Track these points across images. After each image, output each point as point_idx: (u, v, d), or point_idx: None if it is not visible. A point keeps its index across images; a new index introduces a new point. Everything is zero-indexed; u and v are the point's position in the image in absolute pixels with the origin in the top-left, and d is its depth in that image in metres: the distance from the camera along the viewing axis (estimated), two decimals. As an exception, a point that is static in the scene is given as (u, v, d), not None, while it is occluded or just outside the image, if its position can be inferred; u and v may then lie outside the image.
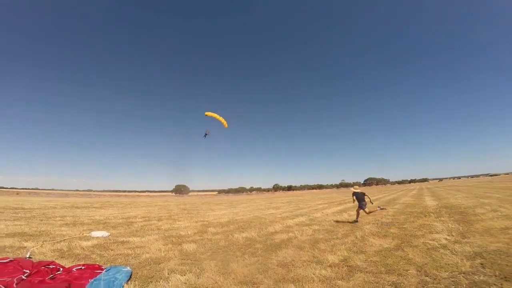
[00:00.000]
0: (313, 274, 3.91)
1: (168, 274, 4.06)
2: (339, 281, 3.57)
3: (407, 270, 3.90)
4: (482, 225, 7.14)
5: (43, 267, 3.88)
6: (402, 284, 3.35)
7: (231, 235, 7.62)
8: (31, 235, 7.22)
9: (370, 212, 9.51)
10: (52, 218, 11.84)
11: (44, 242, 6.26)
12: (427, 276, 3.62)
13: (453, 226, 7.26)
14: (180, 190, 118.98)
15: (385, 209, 13.11)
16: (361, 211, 9.48)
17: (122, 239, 6.99)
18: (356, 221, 9.48)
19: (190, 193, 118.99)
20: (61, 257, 5.01)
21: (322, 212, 13.56)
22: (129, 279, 3.81)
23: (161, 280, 3.79)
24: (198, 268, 4.38)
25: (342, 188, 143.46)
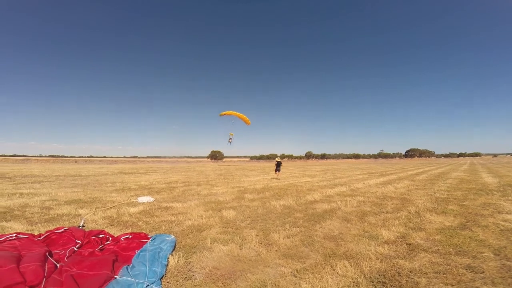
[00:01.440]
0: (368, 250, 3.50)
1: (210, 243, 3.96)
2: (401, 261, 3.12)
3: (481, 253, 3.31)
4: None
5: (93, 237, 3.99)
6: (479, 268, 2.81)
7: (268, 202, 7.49)
8: (85, 202, 7.80)
9: (278, 174, 16.78)
10: (104, 184, 12.89)
11: (96, 209, 6.68)
12: (509, 261, 3.02)
13: None
14: (215, 156, 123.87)
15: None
16: (277, 172, 16.54)
17: (165, 205, 7.24)
18: (277, 178, 16.31)
19: (224, 159, 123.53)
20: (111, 225, 5.23)
21: (364, 183, 12.83)
22: (174, 249, 3.77)
23: (205, 250, 3.68)
24: (239, 237, 4.24)
25: (380, 158, 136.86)
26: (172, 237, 4.17)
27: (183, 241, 4.12)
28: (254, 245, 3.87)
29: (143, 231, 4.59)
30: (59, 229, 4.22)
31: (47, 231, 4.18)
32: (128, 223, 5.32)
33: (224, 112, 30.48)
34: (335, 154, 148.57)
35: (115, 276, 2.83)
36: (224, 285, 2.70)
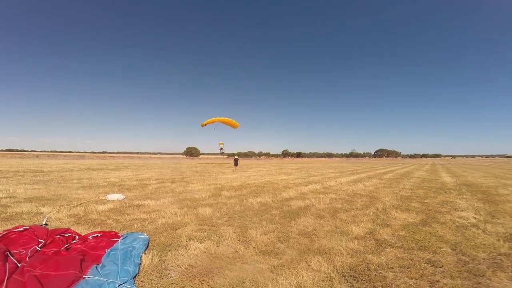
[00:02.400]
0: (340, 246, 3.69)
1: (186, 241, 3.91)
2: (369, 256, 3.33)
3: (440, 248, 3.63)
4: (510, 206, 6.75)
5: (58, 236, 3.75)
6: (439, 263, 3.08)
7: (245, 199, 7.54)
8: (48, 199, 7.29)
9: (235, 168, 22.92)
10: (70, 181, 12.09)
11: (61, 207, 6.27)
12: (464, 256, 3.34)
13: (478, 205, 6.89)
14: (191, 152, 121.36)
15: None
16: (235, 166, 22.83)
17: (137, 202, 6.98)
18: (233, 170, 22.20)
19: (201, 156, 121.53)
20: (77, 223, 4.95)
21: (336, 181, 13.37)
22: (147, 247, 3.66)
23: (180, 248, 3.63)
24: (216, 234, 4.24)
25: (352, 158, 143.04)
26: (145, 235, 4.05)
27: (157, 239, 4.02)
28: (232, 242, 3.90)
29: (113, 230, 4.40)
30: (18, 228, 3.91)
31: (4, 230, 3.85)
32: (96, 221, 5.07)
33: (206, 122, 29.02)
34: (310, 152, 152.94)
35: (84, 276, 2.71)
36: (202, 283, 2.70)
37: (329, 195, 8.59)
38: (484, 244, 3.80)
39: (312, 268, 2.99)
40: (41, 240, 3.53)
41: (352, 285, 2.60)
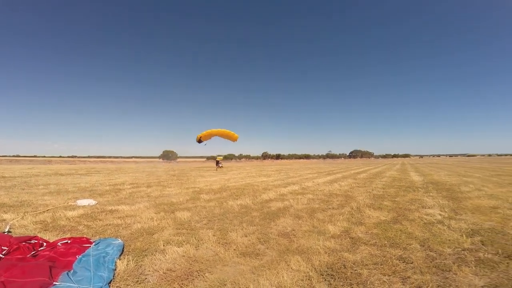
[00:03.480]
0: (318, 245, 3.80)
1: (163, 245, 3.82)
2: (345, 254, 3.47)
3: (410, 244, 3.85)
4: (471, 203, 7.27)
5: (23, 243, 3.48)
6: (409, 259, 3.27)
7: (225, 202, 7.50)
8: (11, 206, 6.78)
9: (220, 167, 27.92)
10: (35, 187, 11.27)
11: (26, 214, 5.85)
12: (432, 251, 3.57)
13: (443, 202, 7.36)
14: (167, 156, 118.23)
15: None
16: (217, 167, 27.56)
17: (110, 208, 6.69)
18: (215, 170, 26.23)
19: (178, 159, 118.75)
20: (45, 230, 4.66)
21: (313, 182, 13.71)
22: (122, 253, 3.52)
23: (157, 253, 3.54)
24: (195, 238, 4.18)
25: (328, 159, 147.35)
26: (119, 240, 3.90)
27: (132, 244, 3.89)
28: (212, 245, 3.87)
29: (85, 236, 4.19)
30: (-22, 236, 3.61)
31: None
32: (66, 228, 4.81)
33: (201, 135, 27.22)
34: (289, 154, 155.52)
35: (54, 283, 2.56)
36: (181, 286, 2.66)
37: (307, 195, 8.80)
38: (449, 240, 4.06)
39: (291, 268, 3.06)
40: (5, 248, 3.27)
41: (330, 283, 2.69)
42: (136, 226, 4.95)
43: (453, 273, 2.90)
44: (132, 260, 3.27)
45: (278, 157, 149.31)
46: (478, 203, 7.12)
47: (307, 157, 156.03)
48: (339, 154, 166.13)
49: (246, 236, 4.30)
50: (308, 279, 2.79)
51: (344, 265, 3.11)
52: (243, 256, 3.46)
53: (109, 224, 5.08)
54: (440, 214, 5.89)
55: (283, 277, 2.81)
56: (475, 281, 2.72)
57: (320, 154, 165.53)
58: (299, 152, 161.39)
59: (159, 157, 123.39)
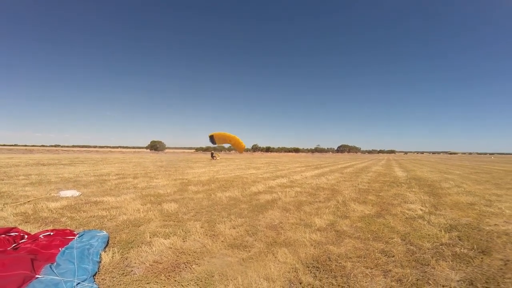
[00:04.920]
0: (304, 238, 3.88)
1: (150, 237, 3.80)
2: (330, 247, 3.57)
3: (392, 238, 3.99)
4: (450, 199, 7.55)
5: (3, 235, 3.37)
6: (391, 252, 3.40)
7: (214, 194, 7.51)
8: None
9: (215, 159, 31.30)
10: (15, 177, 10.80)
11: (5, 205, 5.64)
12: (412, 246, 3.71)
13: (424, 198, 7.62)
14: (155, 146, 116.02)
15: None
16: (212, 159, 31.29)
17: (95, 199, 6.54)
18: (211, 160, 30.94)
19: (166, 150, 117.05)
20: (26, 222, 4.52)
21: (301, 175, 13.90)
22: (107, 245, 3.47)
23: (143, 245, 3.52)
24: (182, 230, 4.17)
25: (317, 153, 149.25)
26: (104, 232, 3.84)
27: (118, 236, 3.85)
28: (199, 237, 3.88)
29: (68, 228, 4.10)
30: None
31: None
32: (48, 220, 4.69)
33: (215, 135, 28.54)
34: (279, 147, 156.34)
35: (37, 276, 2.51)
36: (168, 278, 2.66)
37: (295, 188, 8.93)
38: (429, 235, 4.22)
39: (279, 260, 3.12)
40: (-17, 240, 3.17)
41: (315, 275, 2.77)
42: (121, 217, 4.89)
43: (431, 267, 3.02)
44: (118, 252, 3.24)
45: (268, 149, 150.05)
46: (457, 199, 7.43)
47: (296, 150, 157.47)
48: (327, 148, 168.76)
49: (234, 228, 4.34)
50: (295, 271, 2.86)
51: (329, 258, 3.20)
52: (231, 248, 3.50)
53: (94, 216, 4.99)
54: (421, 209, 6.11)
55: (270, 269, 2.87)
56: (451, 276, 2.83)
57: (309, 148, 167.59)
58: (288, 146, 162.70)
59: (146, 148, 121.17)
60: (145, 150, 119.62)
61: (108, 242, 3.58)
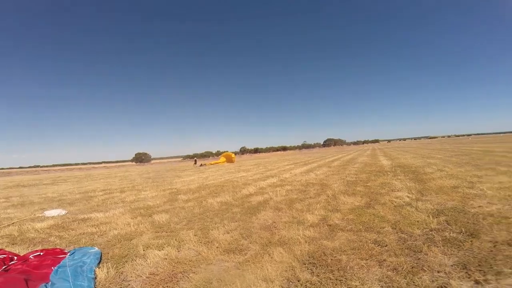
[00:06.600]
0: (298, 235, 3.93)
1: (143, 250, 3.75)
2: (324, 241, 3.63)
3: (383, 228, 4.08)
4: (434, 183, 7.71)
5: None
6: (383, 242, 3.48)
7: (205, 200, 7.45)
8: None
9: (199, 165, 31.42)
10: None
11: None
12: (404, 233, 3.78)
13: (410, 185, 7.77)
14: (140, 158, 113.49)
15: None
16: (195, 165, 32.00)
17: (82, 216, 6.38)
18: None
19: (153, 161, 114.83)
20: (13, 244, 4.38)
21: (291, 173, 14.04)
22: (100, 261, 3.42)
23: (137, 258, 3.47)
24: (176, 240, 4.13)
25: (304, 149, 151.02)
26: (96, 249, 3.78)
27: (111, 252, 3.79)
28: (193, 245, 3.85)
29: (58, 247, 4.01)
30: None
31: None
32: (36, 240, 4.56)
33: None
34: (267, 147, 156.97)
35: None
36: (166, 290, 2.64)
37: (285, 187, 9.00)
38: (418, 221, 4.28)
39: (275, 260, 3.14)
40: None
41: (312, 272, 2.81)
42: (112, 232, 4.79)
43: (424, 254, 3.06)
44: (112, 267, 3.19)
45: (256, 151, 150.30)
46: (441, 184, 7.64)
47: (284, 149, 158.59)
48: (314, 143, 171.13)
49: (228, 233, 4.33)
50: (292, 269, 2.89)
51: (324, 253, 3.25)
52: (226, 253, 3.49)
53: (83, 233, 4.88)
54: (408, 196, 6.27)
55: (267, 269, 2.89)
56: (444, 261, 2.87)
57: (296, 145, 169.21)
58: (276, 145, 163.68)
59: (131, 161, 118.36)
60: (130, 163, 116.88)
61: (101, 258, 3.52)
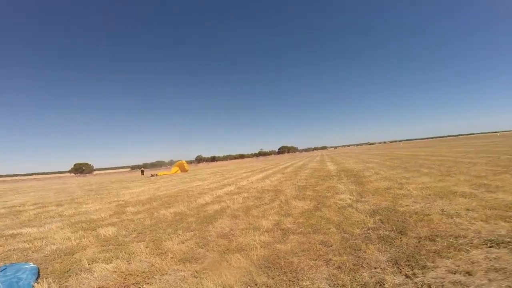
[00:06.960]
0: (254, 241, 4.08)
1: (89, 264, 3.51)
2: (278, 245, 3.85)
3: (329, 229, 4.44)
4: (371, 186, 8.51)
5: None
6: (329, 242, 3.82)
7: (156, 212, 7.14)
8: None
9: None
10: None
11: None
12: (346, 233, 4.15)
13: (352, 187, 8.49)
14: (81, 169, 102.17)
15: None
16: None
17: (10, 232, 5.68)
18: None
19: (95, 172, 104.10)
20: None
21: (248, 180, 14.26)
22: (38, 276, 3.14)
23: (82, 272, 3.26)
24: (125, 252, 3.94)
25: (261, 156, 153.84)
26: (32, 264, 3.47)
27: (50, 267, 3.52)
28: (145, 257, 3.72)
29: (-18, 265, 3.53)
30: None
31: None
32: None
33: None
34: (224, 155, 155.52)
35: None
36: (118, 305, 2.53)
37: (242, 194, 9.15)
38: (357, 221, 4.72)
39: (233, 266, 3.24)
40: None
41: (268, 275, 2.97)
42: (50, 248, 4.42)
43: (363, 252, 3.39)
44: (54, 282, 3.01)
45: (213, 159, 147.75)
46: (377, 186, 8.52)
47: (242, 156, 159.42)
48: (270, 151, 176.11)
49: (183, 243, 4.27)
50: (249, 274, 3.01)
51: (277, 256, 3.45)
52: (182, 262, 3.46)
53: (14, 249, 4.47)
54: (350, 198, 6.88)
55: (226, 276, 2.97)
56: (380, 257, 3.20)
57: (253, 153, 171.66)
58: (234, 153, 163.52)
59: (70, 172, 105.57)
60: (69, 174, 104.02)
61: (39, 274, 3.25)
